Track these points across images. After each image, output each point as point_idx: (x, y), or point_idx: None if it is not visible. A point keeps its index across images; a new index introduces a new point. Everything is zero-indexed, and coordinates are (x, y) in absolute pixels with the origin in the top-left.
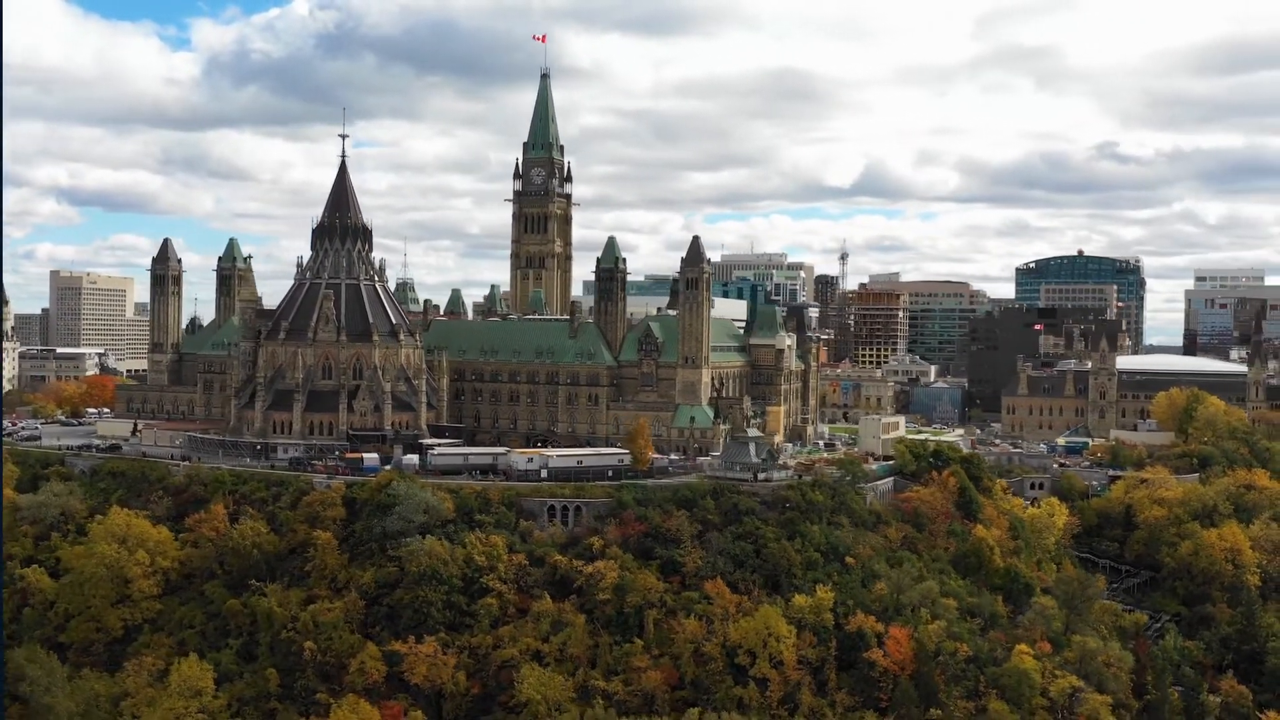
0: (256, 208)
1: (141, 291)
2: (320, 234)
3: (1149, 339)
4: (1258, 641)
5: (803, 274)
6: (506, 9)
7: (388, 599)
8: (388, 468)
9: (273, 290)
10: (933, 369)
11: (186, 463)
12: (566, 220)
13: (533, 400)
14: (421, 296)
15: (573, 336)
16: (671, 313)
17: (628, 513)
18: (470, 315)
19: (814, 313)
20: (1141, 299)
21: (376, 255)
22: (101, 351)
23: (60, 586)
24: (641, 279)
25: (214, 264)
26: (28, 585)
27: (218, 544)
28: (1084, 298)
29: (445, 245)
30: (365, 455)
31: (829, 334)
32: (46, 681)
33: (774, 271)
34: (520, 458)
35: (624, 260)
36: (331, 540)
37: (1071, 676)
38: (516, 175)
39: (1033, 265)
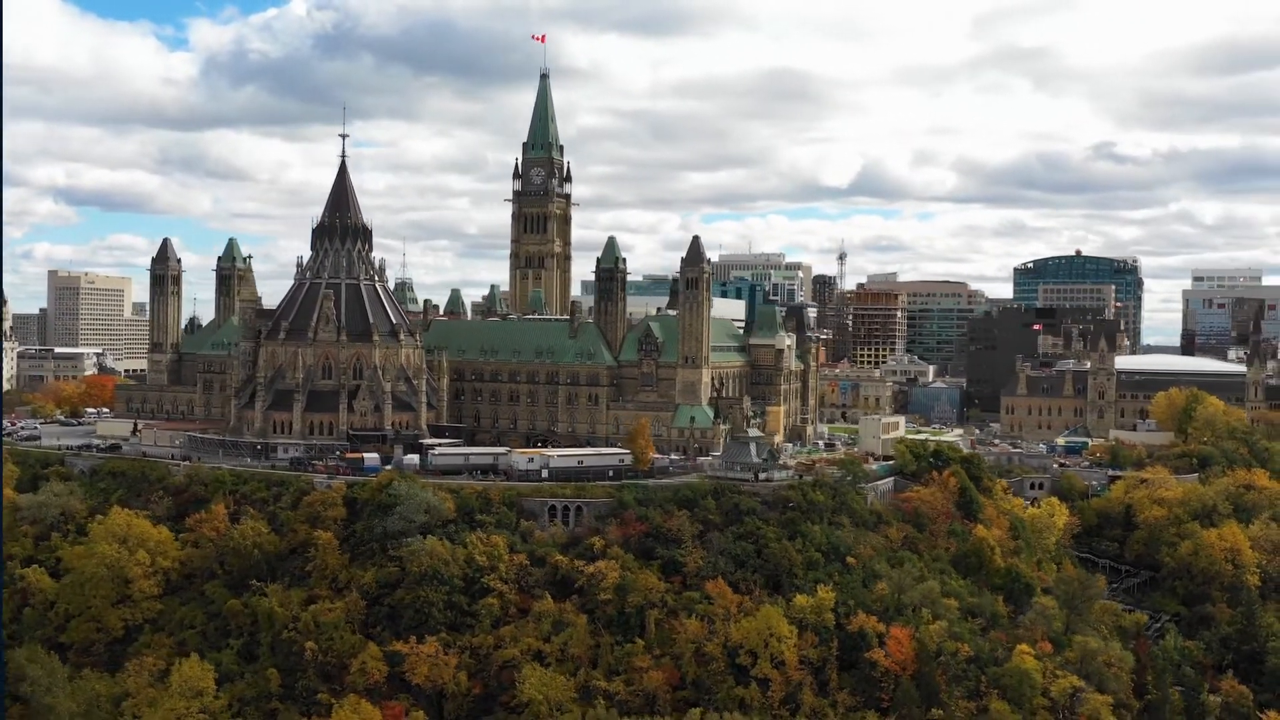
0: (254, 208)
1: (139, 291)
2: (320, 234)
3: (1146, 339)
4: (1258, 641)
5: (800, 274)
6: (504, 9)
7: (389, 599)
8: (388, 468)
9: (271, 290)
10: (931, 369)
11: (187, 463)
12: (566, 220)
13: (533, 400)
14: (420, 296)
15: (573, 336)
16: (671, 313)
17: (629, 513)
18: (470, 315)
19: (812, 313)
20: (1139, 299)
21: (375, 255)
22: (99, 351)
23: (61, 586)
24: (639, 279)
25: (212, 264)
26: (28, 585)
27: (218, 544)
28: (1082, 298)
29: (443, 245)
30: (366, 455)
31: (827, 334)
32: (47, 682)
33: (772, 271)
34: (521, 458)
35: (624, 260)
36: (332, 540)
37: (1072, 676)
38: (516, 175)
39: (1030, 265)
